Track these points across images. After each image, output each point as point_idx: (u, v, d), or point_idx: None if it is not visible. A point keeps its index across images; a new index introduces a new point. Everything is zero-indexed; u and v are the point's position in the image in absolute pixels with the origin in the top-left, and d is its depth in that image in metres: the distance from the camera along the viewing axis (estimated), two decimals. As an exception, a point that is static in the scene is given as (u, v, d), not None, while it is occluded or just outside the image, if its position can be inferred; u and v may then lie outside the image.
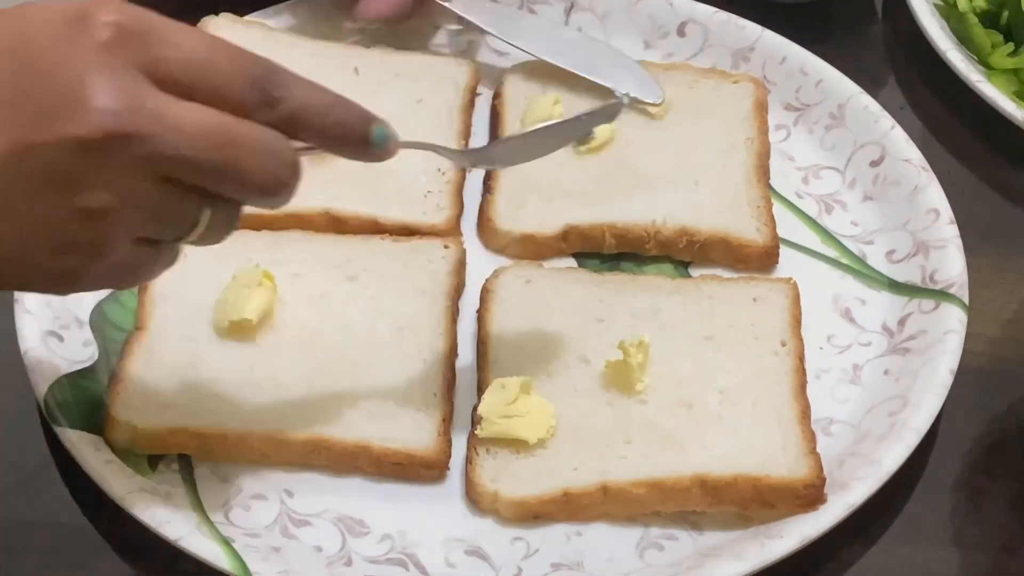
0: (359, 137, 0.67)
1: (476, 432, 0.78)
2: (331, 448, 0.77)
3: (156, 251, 0.65)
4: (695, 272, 0.88)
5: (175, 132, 0.60)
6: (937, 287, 0.85)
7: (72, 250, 0.62)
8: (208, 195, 0.63)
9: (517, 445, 0.77)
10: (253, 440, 0.77)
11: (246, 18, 0.97)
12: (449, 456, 0.78)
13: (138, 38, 0.61)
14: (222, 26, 0.95)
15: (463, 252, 0.86)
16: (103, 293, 0.84)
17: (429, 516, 0.77)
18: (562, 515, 0.77)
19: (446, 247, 0.86)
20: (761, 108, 0.94)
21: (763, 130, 0.93)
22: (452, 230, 0.88)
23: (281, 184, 0.64)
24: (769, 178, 0.91)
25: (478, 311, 0.85)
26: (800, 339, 0.83)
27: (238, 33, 0.95)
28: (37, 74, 0.59)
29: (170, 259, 0.67)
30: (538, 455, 0.78)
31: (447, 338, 0.82)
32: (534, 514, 0.77)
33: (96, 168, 0.60)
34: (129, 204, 0.61)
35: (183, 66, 0.61)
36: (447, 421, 0.79)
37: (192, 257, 0.83)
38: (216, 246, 0.83)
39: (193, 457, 0.78)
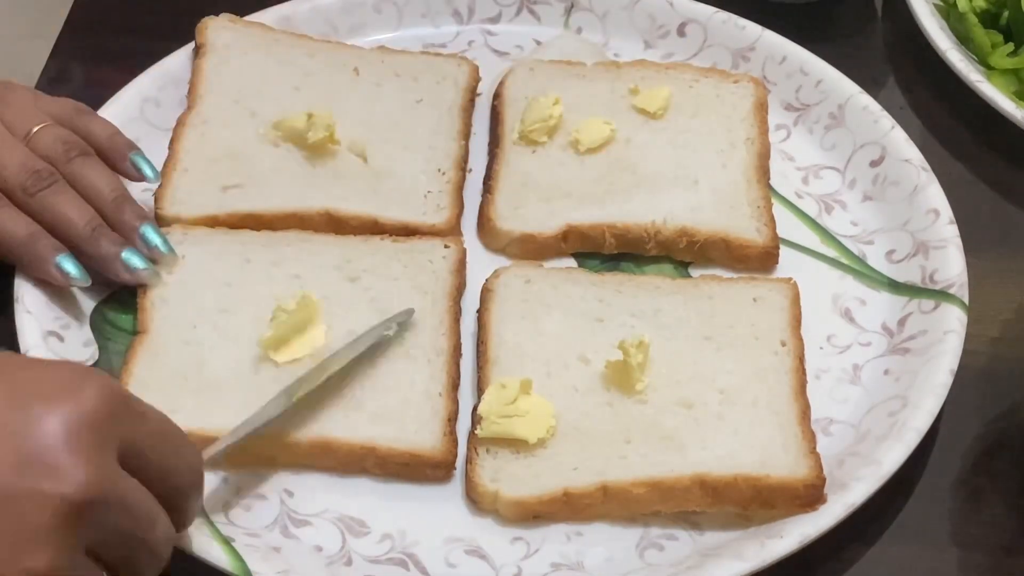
0: None
1: (476, 432, 0.78)
2: (337, 450, 0.77)
3: None
4: (695, 272, 0.88)
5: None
6: (937, 287, 0.85)
7: None
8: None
9: (517, 445, 0.77)
10: (259, 444, 0.76)
11: (246, 18, 0.96)
12: (455, 455, 0.78)
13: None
14: (222, 26, 0.95)
15: (463, 252, 0.86)
16: (103, 294, 0.84)
17: (429, 516, 0.77)
18: (562, 515, 0.77)
19: (447, 247, 0.86)
20: (761, 108, 0.94)
21: (763, 130, 0.93)
22: (452, 230, 0.88)
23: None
24: (769, 178, 0.91)
25: (478, 311, 0.85)
26: (800, 339, 0.83)
27: (238, 33, 0.95)
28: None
29: None
30: (538, 455, 0.78)
31: (450, 337, 0.82)
32: (534, 514, 0.77)
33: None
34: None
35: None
36: (452, 420, 0.79)
37: (191, 257, 0.83)
38: (216, 245, 0.83)
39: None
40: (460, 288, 0.85)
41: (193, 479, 0.67)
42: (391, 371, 0.80)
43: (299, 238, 0.86)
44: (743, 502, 0.76)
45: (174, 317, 0.82)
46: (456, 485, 0.78)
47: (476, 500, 0.77)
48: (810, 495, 0.76)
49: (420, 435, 0.78)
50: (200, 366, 0.79)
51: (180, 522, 0.67)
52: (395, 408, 0.79)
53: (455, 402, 0.80)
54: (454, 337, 0.82)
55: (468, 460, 0.78)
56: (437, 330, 0.82)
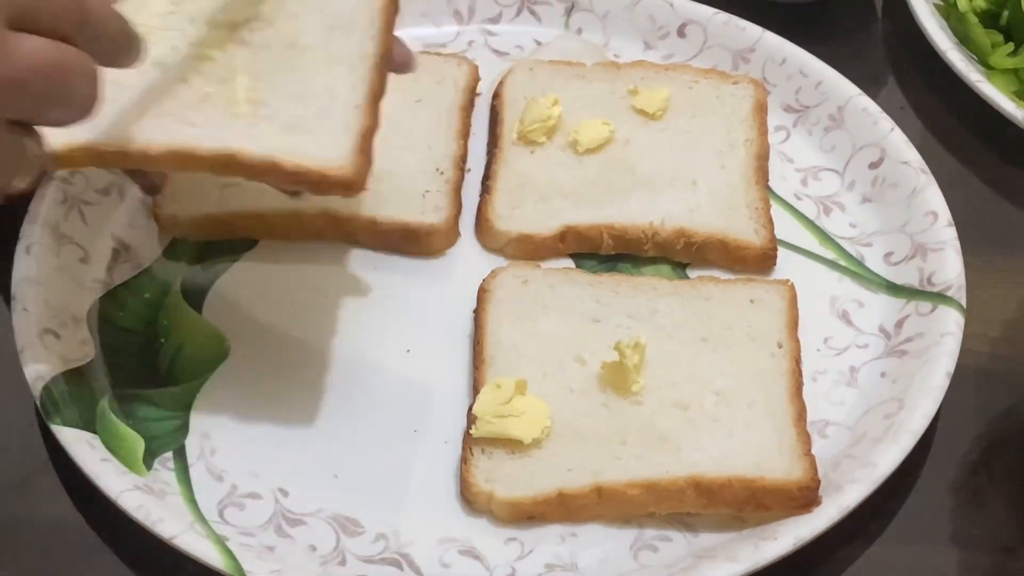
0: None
1: (471, 432, 0.78)
2: (241, 164, 0.70)
3: None
4: (692, 273, 0.88)
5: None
6: (935, 290, 0.85)
7: None
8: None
9: (512, 445, 0.78)
10: (159, 153, 0.70)
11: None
12: (367, 175, 0.71)
13: None
14: None
15: None
16: (100, 292, 0.84)
17: (423, 516, 0.77)
18: (556, 516, 0.77)
19: None
20: (760, 109, 0.94)
21: (762, 131, 0.93)
22: (451, 230, 0.88)
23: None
24: (768, 180, 0.91)
25: (475, 311, 0.85)
26: (796, 341, 0.83)
27: None
28: None
29: None
30: (533, 455, 0.78)
31: (380, 41, 0.74)
32: (528, 515, 0.77)
33: None
34: None
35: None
36: (367, 137, 0.71)
37: None
38: None
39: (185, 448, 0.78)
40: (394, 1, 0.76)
41: None
42: (308, 74, 0.72)
43: None
44: (737, 504, 0.76)
45: None
46: (450, 485, 0.78)
47: (470, 500, 0.77)
48: (804, 497, 0.76)
49: (329, 151, 0.70)
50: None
51: None
52: (308, 118, 0.71)
53: (374, 116, 0.72)
54: (384, 44, 0.74)
55: (463, 460, 0.78)
56: (367, 31, 0.74)
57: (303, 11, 0.74)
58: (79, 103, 0.64)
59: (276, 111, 0.71)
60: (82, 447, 0.76)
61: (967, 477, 0.81)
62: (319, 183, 0.70)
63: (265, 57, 0.73)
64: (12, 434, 0.81)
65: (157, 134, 0.70)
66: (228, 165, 0.70)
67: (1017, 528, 0.79)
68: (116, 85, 0.68)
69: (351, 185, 0.70)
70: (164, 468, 0.78)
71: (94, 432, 0.77)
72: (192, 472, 0.78)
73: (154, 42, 0.70)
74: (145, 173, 0.78)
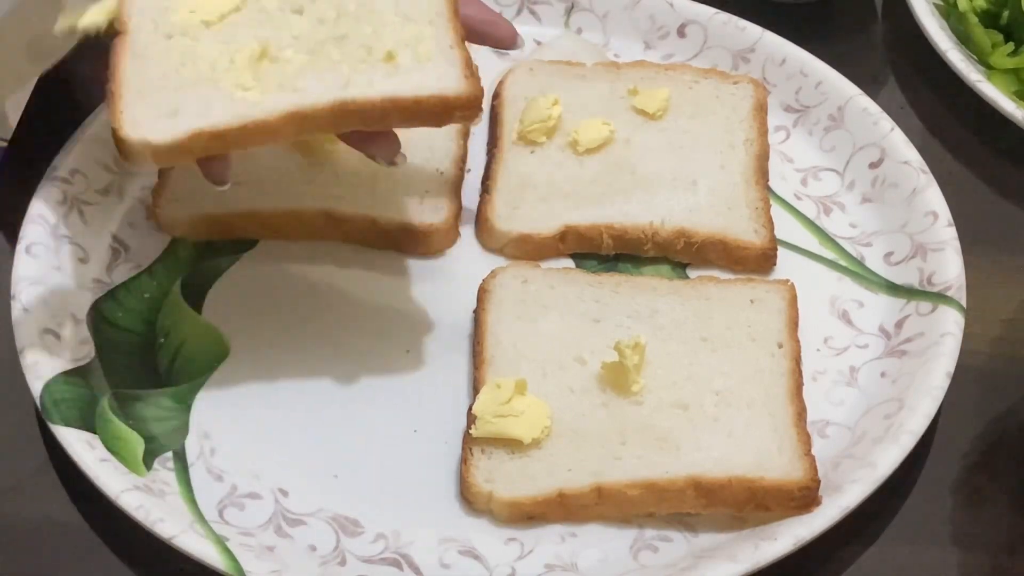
0: None
1: (471, 432, 0.78)
2: (360, 109, 0.74)
3: None
4: (693, 273, 0.88)
5: None
6: (935, 290, 0.85)
7: None
8: None
9: (512, 445, 0.78)
10: (275, 122, 0.72)
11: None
12: (482, 93, 0.76)
13: None
14: None
15: None
16: (100, 292, 0.84)
17: (423, 516, 0.77)
18: (556, 516, 0.77)
19: None
20: (760, 109, 0.94)
21: (762, 131, 0.93)
22: (450, 230, 0.88)
23: None
24: (768, 180, 0.91)
25: (475, 311, 0.85)
26: (796, 341, 0.83)
27: None
28: None
29: None
30: (533, 455, 0.78)
31: (449, 1, 0.79)
32: (528, 515, 0.77)
33: None
34: None
35: None
36: (469, 64, 0.76)
37: None
38: None
39: (185, 448, 0.78)
40: None
41: None
42: (394, 33, 0.77)
43: None
44: (737, 504, 0.76)
45: (152, 11, 0.75)
46: (450, 485, 0.78)
47: (470, 500, 0.77)
48: (804, 498, 0.76)
49: (444, 80, 0.75)
50: (193, 60, 0.74)
51: None
52: (404, 62, 0.75)
53: (467, 51, 0.77)
54: (452, 1, 0.79)
55: (463, 460, 0.78)
56: None
57: None
58: None
59: (374, 63, 0.74)
60: (82, 447, 0.76)
61: (967, 477, 0.81)
62: (440, 109, 0.74)
63: (344, 26, 0.76)
64: (12, 434, 0.81)
65: (271, 105, 0.72)
66: (346, 115, 0.73)
67: (1017, 528, 0.79)
68: (210, 71, 0.72)
69: (471, 103, 0.74)
70: (164, 468, 0.78)
71: (94, 432, 0.77)
72: (192, 472, 0.78)
73: (236, 34, 0.74)
74: (214, 160, 0.76)
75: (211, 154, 0.73)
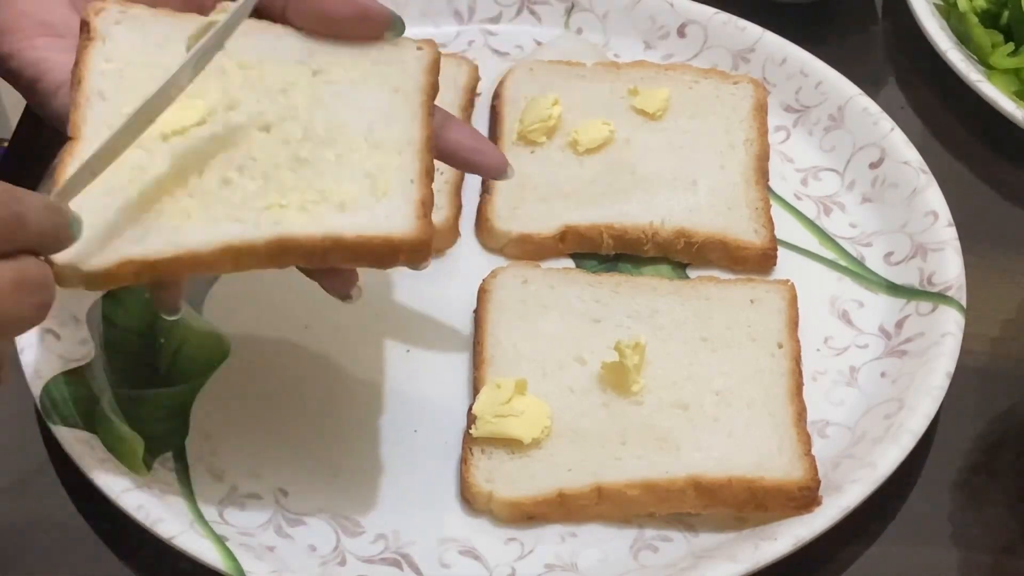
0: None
1: (471, 431, 0.78)
2: (300, 246, 0.69)
3: None
4: (693, 273, 0.88)
5: None
6: (935, 290, 0.85)
7: None
8: None
9: (512, 445, 0.78)
10: (208, 256, 0.68)
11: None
12: (431, 237, 0.71)
13: None
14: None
15: (438, 54, 0.77)
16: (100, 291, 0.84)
17: (423, 516, 0.77)
18: (556, 516, 0.77)
19: (419, 48, 0.77)
20: (761, 109, 0.94)
21: (762, 131, 0.93)
22: (450, 230, 0.88)
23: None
24: (768, 180, 0.91)
25: (475, 311, 0.85)
26: (797, 341, 0.83)
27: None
28: None
29: None
30: (533, 455, 0.78)
31: (423, 128, 0.74)
32: (528, 515, 0.77)
33: None
34: None
35: None
36: (426, 204, 0.72)
37: (130, 44, 0.74)
38: (160, 32, 0.74)
39: (185, 448, 0.78)
40: (434, 88, 0.76)
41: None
42: (355, 163, 0.72)
43: (258, 27, 0.75)
44: (737, 504, 0.76)
45: (110, 119, 0.70)
46: (450, 485, 0.78)
47: (470, 500, 0.77)
48: (804, 498, 0.76)
49: (391, 221, 0.70)
50: (141, 179, 0.70)
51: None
52: (362, 199, 0.71)
53: (428, 188, 0.73)
54: (427, 128, 0.74)
55: (463, 460, 0.78)
56: (409, 122, 0.74)
57: (340, 106, 0.74)
58: (33, 316, 0.63)
59: (327, 194, 0.70)
60: (82, 447, 0.76)
61: (967, 477, 0.81)
62: (385, 251, 0.69)
63: (307, 149, 0.72)
64: (12, 434, 0.81)
65: (207, 236, 0.68)
66: (286, 251, 0.69)
67: (1017, 528, 0.79)
68: (156, 191, 0.68)
69: (419, 247, 0.70)
70: (164, 468, 0.78)
71: (94, 432, 0.77)
72: (192, 472, 0.78)
73: (194, 150, 0.70)
74: (165, 286, 0.74)
75: (144, 282, 0.70)
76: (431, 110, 0.75)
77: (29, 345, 0.80)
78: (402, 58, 0.76)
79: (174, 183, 0.69)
